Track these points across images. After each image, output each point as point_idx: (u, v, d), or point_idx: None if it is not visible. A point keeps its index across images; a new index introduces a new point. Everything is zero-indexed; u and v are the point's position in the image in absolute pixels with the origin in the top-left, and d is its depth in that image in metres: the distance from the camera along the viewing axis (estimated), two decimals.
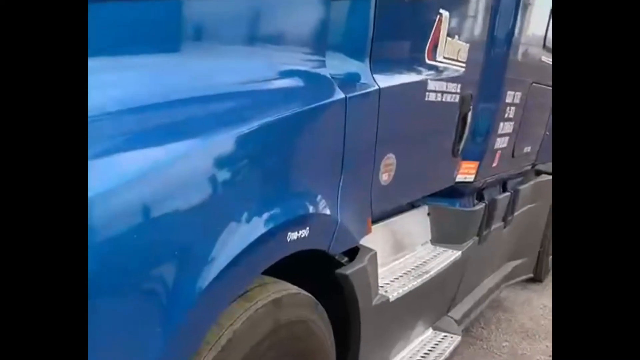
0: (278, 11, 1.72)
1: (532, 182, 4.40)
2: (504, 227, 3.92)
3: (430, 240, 3.13)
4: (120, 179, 1.16)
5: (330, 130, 1.80)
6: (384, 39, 2.05)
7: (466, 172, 3.12)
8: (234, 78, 1.58)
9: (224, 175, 1.38)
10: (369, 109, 2.00)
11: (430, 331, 3.18)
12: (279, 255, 1.58)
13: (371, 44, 1.99)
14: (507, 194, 3.86)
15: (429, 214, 3.12)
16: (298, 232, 1.62)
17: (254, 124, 1.49)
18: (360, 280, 2.06)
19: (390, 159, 2.19)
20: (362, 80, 1.97)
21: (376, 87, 2.01)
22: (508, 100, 3.26)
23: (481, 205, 3.37)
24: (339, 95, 1.82)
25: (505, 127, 3.36)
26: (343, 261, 2.06)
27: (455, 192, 3.18)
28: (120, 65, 1.41)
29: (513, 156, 3.69)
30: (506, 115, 3.32)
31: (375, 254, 2.20)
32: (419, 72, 2.32)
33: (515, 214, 4.08)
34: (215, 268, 1.33)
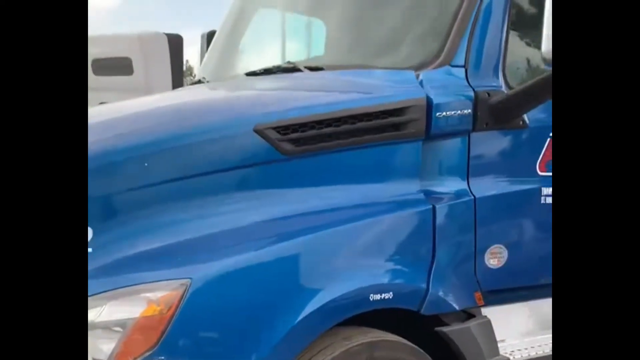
0: None
1: None
2: None
3: None
4: None
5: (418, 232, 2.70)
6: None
7: None
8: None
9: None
10: (464, 216, 2.81)
11: None
12: (363, 309, 2.51)
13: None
14: None
15: None
16: (381, 295, 2.53)
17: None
18: (464, 338, 2.80)
19: (498, 248, 2.94)
20: (457, 193, 2.82)
21: (471, 197, 2.83)
22: None
23: None
24: (427, 205, 2.71)
25: None
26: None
27: None
28: None
29: None
30: None
31: (488, 320, 2.92)
32: (529, 183, 3.02)
33: None
34: (311, 307, 2.34)
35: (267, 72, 3.34)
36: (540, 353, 3.11)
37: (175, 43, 10.76)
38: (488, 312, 3.02)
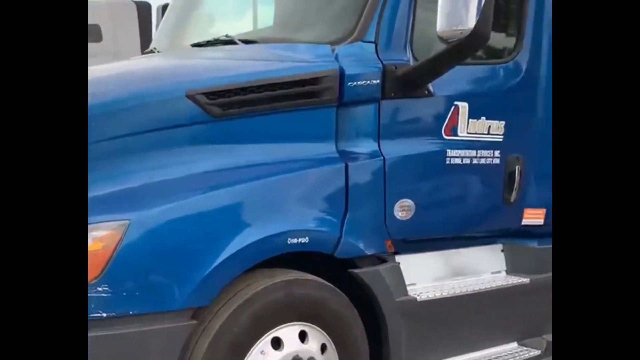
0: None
1: None
2: None
3: (506, 271, 4.05)
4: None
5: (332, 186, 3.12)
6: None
7: (533, 217, 4.00)
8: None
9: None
10: (374, 173, 3.23)
11: (514, 344, 4.05)
12: (282, 250, 2.93)
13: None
14: None
15: (502, 250, 4.06)
16: (297, 239, 2.96)
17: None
18: (376, 280, 3.24)
19: (406, 202, 3.38)
20: (368, 153, 3.24)
21: (381, 157, 3.25)
22: None
23: None
24: (341, 163, 3.13)
25: None
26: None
27: (533, 232, 4.07)
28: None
29: None
30: None
31: (397, 265, 3.37)
32: (434, 146, 3.45)
33: None
34: (231, 250, 2.76)
35: (209, 43, 3.72)
36: (445, 294, 3.57)
37: (143, 10, 10.99)
38: (402, 258, 3.47)
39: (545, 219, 4.02)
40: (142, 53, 4.91)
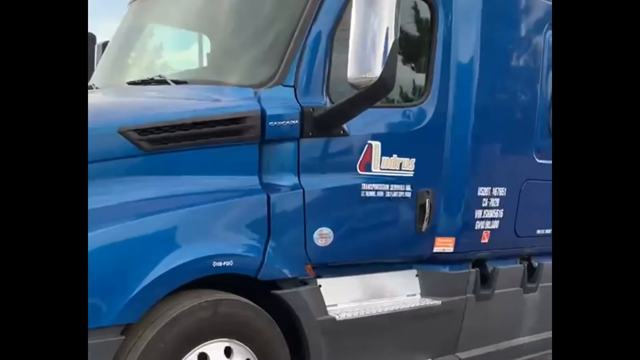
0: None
1: None
2: (524, 292, 4.95)
3: (420, 294, 4.41)
4: None
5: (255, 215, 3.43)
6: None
7: (444, 245, 4.38)
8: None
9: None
10: (294, 204, 3.55)
11: None
12: (208, 272, 3.20)
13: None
14: (519, 265, 4.92)
15: (417, 275, 4.42)
16: (222, 262, 3.24)
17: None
18: (297, 300, 3.54)
19: (325, 230, 3.70)
20: (289, 186, 3.56)
21: (301, 189, 3.58)
22: (482, 193, 4.47)
23: (469, 270, 4.54)
24: (263, 194, 3.45)
25: (489, 214, 4.55)
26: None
27: (444, 259, 4.45)
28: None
29: (518, 236, 4.80)
30: (486, 204, 4.51)
31: (317, 287, 3.68)
32: (350, 180, 3.80)
33: (543, 284, 5.06)
34: (160, 271, 3.02)
35: (144, 82, 4.01)
36: (363, 314, 3.90)
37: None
38: (323, 281, 3.79)
39: (455, 246, 4.40)
40: None
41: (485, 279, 4.66)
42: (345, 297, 3.94)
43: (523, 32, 4.67)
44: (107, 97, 4.11)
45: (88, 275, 2.80)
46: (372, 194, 3.90)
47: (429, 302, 4.30)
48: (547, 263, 5.10)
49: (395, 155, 3.98)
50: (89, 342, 2.78)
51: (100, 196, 3.04)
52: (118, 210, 3.04)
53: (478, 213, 4.49)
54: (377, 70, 3.32)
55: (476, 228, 4.51)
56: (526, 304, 5.03)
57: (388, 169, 3.95)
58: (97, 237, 2.91)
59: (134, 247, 3.01)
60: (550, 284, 4.98)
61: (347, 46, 3.42)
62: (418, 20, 4.25)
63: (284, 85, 3.54)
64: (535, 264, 5.03)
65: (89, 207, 2.94)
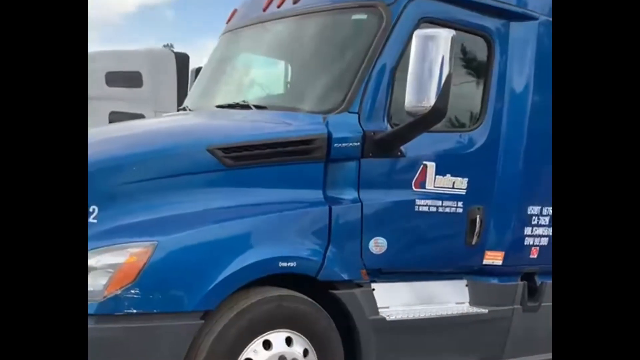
0: None
1: None
2: None
3: (469, 302, 4.82)
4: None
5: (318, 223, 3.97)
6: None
7: (493, 258, 4.78)
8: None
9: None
10: (353, 216, 4.07)
11: None
12: (274, 271, 3.76)
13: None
14: None
15: (466, 285, 4.84)
16: (287, 263, 3.80)
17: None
18: (352, 300, 4.05)
19: (378, 240, 4.20)
20: (349, 199, 4.09)
21: (359, 203, 4.10)
22: (532, 212, 4.85)
23: (517, 282, 4.92)
24: (326, 206, 3.99)
25: (538, 231, 4.92)
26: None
27: (493, 271, 4.85)
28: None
29: None
30: (535, 222, 4.88)
31: (371, 290, 4.18)
32: (405, 195, 4.28)
33: None
34: (234, 268, 3.61)
35: (230, 106, 4.65)
36: (412, 317, 4.35)
37: (181, 60, 12.14)
38: (377, 285, 4.28)
39: (504, 260, 4.80)
40: (178, 108, 5.87)
41: (534, 292, 5.01)
42: (396, 300, 4.40)
43: None
44: (198, 118, 4.77)
45: (174, 269, 3.43)
46: (425, 209, 4.36)
47: (476, 309, 4.70)
48: None
49: (448, 175, 4.43)
50: (175, 323, 3.41)
51: (188, 203, 3.66)
52: (203, 215, 3.65)
53: (527, 230, 4.86)
54: (432, 100, 3.80)
55: (525, 244, 4.88)
56: None
57: (441, 187, 4.41)
58: (183, 238, 3.53)
59: (214, 247, 3.61)
60: None
61: (406, 78, 3.92)
62: (476, 54, 4.70)
63: (350, 112, 4.07)
64: None
65: (180, 212, 3.60)
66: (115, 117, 10.76)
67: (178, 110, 5.64)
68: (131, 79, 11.33)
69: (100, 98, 10.36)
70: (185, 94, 12.81)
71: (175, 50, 12.74)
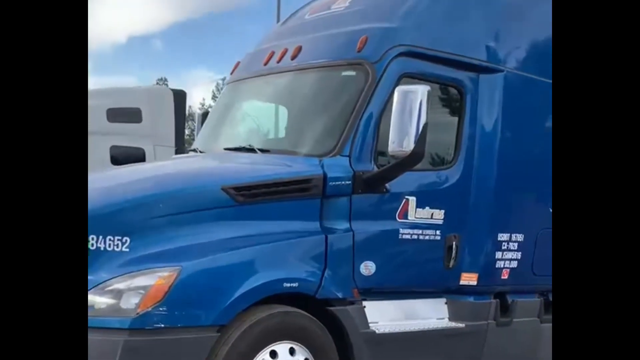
0: None
1: None
2: (541, 322, 5.93)
3: (448, 318, 5.49)
4: None
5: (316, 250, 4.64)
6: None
7: (468, 279, 5.45)
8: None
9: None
10: (346, 243, 4.75)
11: None
12: (280, 291, 4.41)
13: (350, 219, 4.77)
14: (536, 299, 5.92)
15: (445, 303, 5.51)
16: (290, 284, 4.46)
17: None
18: (345, 316, 4.70)
19: (368, 263, 4.87)
20: (342, 229, 4.76)
21: (351, 232, 4.78)
22: (502, 238, 5.54)
23: (491, 300, 5.58)
24: (322, 235, 4.66)
25: (508, 255, 5.60)
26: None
27: (469, 291, 5.52)
28: None
29: (535, 274, 5.81)
30: (505, 247, 5.57)
31: (362, 307, 4.83)
32: (390, 225, 4.97)
33: None
34: (245, 288, 4.26)
35: (237, 149, 5.35)
36: (398, 330, 5.00)
37: (178, 97, 12.86)
38: (367, 303, 4.91)
39: (478, 281, 5.47)
40: (177, 146, 6.58)
41: (505, 309, 5.68)
42: (385, 316, 5.05)
43: (535, 109, 5.73)
44: (211, 161, 5.47)
45: (196, 289, 4.08)
46: (408, 237, 5.04)
47: (454, 324, 5.37)
48: None
49: (427, 207, 5.12)
50: (196, 335, 4.05)
51: (206, 234, 4.33)
52: (219, 244, 4.32)
53: (498, 254, 5.55)
54: (411, 145, 4.50)
55: (497, 266, 5.56)
56: (543, 333, 5.98)
57: (422, 218, 5.10)
58: (203, 263, 4.19)
59: (229, 271, 4.27)
60: None
61: (389, 126, 4.62)
62: (450, 102, 5.43)
63: (342, 155, 4.78)
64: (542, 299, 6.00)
65: (199, 241, 4.26)
66: (116, 150, 11.41)
67: (184, 150, 6.33)
68: (131, 115, 11.92)
69: (102, 133, 10.87)
70: (183, 129, 13.57)
71: (169, 83, 13.33)
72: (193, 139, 7.72)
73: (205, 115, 6.55)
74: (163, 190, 4.44)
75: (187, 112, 14.85)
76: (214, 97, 55.18)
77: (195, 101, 56.80)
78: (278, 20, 22.06)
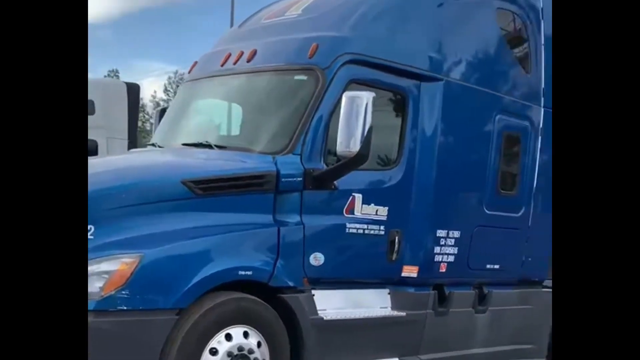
0: None
1: (516, 290, 6.79)
2: (475, 312, 6.41)
3: (390, 307, 5.90)
4: None
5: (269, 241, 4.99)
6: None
7: (409, 271, 5.88)
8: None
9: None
10: (297, 235, 5.11)
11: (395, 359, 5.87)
12: (235, 278, 4.75)
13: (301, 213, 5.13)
14: (471, 291, 6.40)
15: (389, 293, 5.92)
16: (245, 272, 4.80)
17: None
18: (296, 303, 5.06)
19: (317, 255, 5.24)
20: (294, 222, 5.13)
21: (302, 225, 5.14)
22: (440, 235, 5.99)
23: (430, 292, 6.03)
24: (275, 227, 5.02)
25: (445, 250, 6.06)
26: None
27: (410, 282, 5.95)
28: None
29: (470, 269, 6.29)
30: (443, 243, 6.03)
31: (311, 295, 5.20)
32: (337, 220, 5.36)
33: (492, 307, 6.51)
34: (202, 275, 4.58)
35: (195, 145, 5.66)
36: (344, 317, 5.38)
37: (132, 90, 12.97)
38: (316, 292, 5.26)
39: (418, 273, 5.90)
40: (131, 139, 6.85)
41: (443, 300, 6.13)
42: (332, 304, 5.41)
43: (475, 115, 6.21)
44: (170, 155, 5.76)
45: (157, 275, 4.38)
46: (354, 231, 5.44)
47: (396, 313, 5.79)
48: (496, 291, 6.57)
49: (372, 204, 5.52)
50: (156, 318, 4.36)
51: (167, 224, 4.64)
52: (178, 233, 4.63)
53: (437, 249, 6.00)
54: (357, 146, 4.89)
55: (435, 260, 6.01)
56: (477, 322, 6.48)
57: (367, 214, 5.50)
58: (164, 251, 4.50)
59: (187, 258, 4.58)
60: (498, 308, 6.48)
61: (337, 128, 5.00)
62: (394, 108, 5.85)
63: (293, 154, 5.13)
64: (486, 291, 6.49)
65: (160, 230, 4.57)
66: None
67: (137, 143, 6.60)
68: None
69: None
70: (136, 122, 13.64)
71: (120, 75, 13.41)
72: (145, 132, 8.02)
73: (163, 111, 6.83)
74: (126, 181, 4.73)
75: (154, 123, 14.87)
76: (165, 90, 54.79)
77: (147, 94, 56.35)
78: (232, 17, 22.33)
